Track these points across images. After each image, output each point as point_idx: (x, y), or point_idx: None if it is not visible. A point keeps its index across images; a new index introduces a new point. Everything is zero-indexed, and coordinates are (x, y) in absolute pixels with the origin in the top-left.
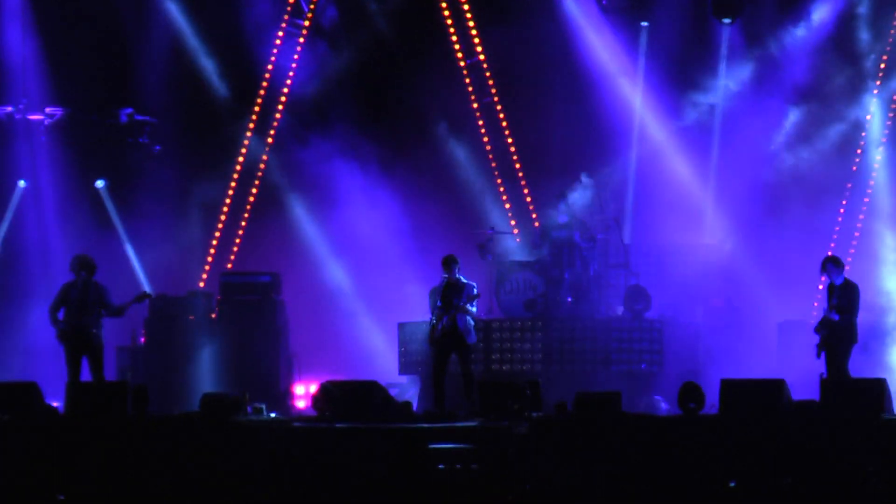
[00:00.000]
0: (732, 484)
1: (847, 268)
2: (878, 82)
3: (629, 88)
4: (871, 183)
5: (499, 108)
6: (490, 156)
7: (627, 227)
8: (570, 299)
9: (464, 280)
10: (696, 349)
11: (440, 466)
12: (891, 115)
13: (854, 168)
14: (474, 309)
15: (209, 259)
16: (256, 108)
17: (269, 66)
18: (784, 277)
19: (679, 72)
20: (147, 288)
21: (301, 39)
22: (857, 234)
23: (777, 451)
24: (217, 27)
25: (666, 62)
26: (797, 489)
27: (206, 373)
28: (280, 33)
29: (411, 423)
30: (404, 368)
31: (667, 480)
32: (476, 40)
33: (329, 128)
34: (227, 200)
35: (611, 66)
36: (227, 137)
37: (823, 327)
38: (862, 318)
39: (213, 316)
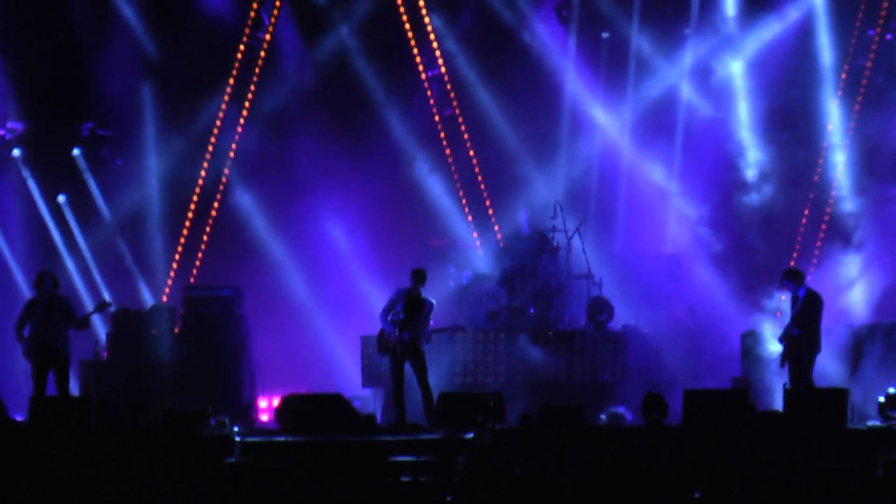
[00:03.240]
0: (697, 495)
1: (808, 278)
2: (839, 92)
3: (590, 98)
4: (833, 194)
5: (460, 120)
6: (452, 168)
7: (589, 237)
8: (532, 310)
9: (423, 296)
10: (660, 359)
11: (403, 479)
12: (853, 124)
13: (815, 178)
14: (431, 323)
15: (171, 273)
16: (218, 123)
17: (231, 80)
18: (748, 286)
19: (641, 81)
20: (108, 298)
21: (262, 53)
22: (818, 243)
23: (741, 460)
24: (178, 41)
25: (627, 71)
26: (757, 498)
27: (169, 386)
28: (241, 47)
29: (375, 435)
30: (367, 381)
31: (631, 491)
32: (437, 53)
33: (291, 142)
34: (190, 214)
35: (572, 77)
36: (188, 151)
37: (786, 338)
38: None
39: (176, 330)
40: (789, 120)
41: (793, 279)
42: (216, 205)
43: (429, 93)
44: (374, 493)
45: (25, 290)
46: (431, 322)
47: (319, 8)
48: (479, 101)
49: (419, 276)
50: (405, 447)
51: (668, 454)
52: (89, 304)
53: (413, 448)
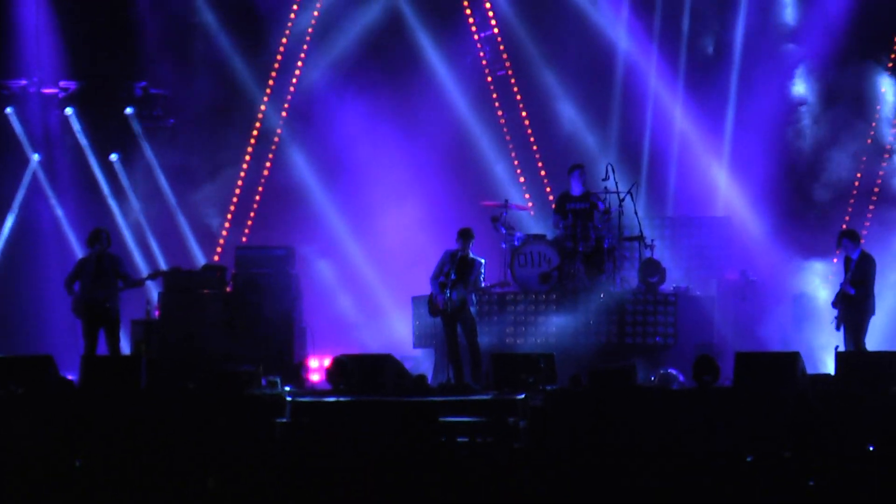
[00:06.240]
0: (749, 459)
1: (863, 241)
2: (892, 56)
3: (643, 58)
4: (886, 156)
5: (513, 81)
6: (504, 129)
7: (642, 199)
8: (583, 272)
9: (472, 256)
10: (711, 322)
11: (457, 440)
12: None
13: (869, 141)
14: (482, 284)
15: (224, 232)
16: (270, 83)
17: (284, 40)
18: (801, 249)
19: (696, 40)
20: (161, 262)
21: (315, 13)
22: (871, 206)
23: (791, 423)
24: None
25: (682, 31)
26: (809, 462)
27: (220, 346)
28: (295, 7)
29: (425, 395)
30: (418, 341)
31: (681, 453)
32: (490, 13)
33: (345, 101)
34: (242, 174)
35: (625, 37)
36: (241, 111)
37: (840, 301)
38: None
39: (228, 289)
40: (843, 84)
41: (850, 240)
42: (268, 164)
43: (481, 54)
44: (423, 453)
45: (77, 250)
46: (483, 281)
47: None
48: (531, 62)
49: (466, 236)
50: (456, 408)
51: (718, 416)
52: (140, 263)
53: (464, 409)
